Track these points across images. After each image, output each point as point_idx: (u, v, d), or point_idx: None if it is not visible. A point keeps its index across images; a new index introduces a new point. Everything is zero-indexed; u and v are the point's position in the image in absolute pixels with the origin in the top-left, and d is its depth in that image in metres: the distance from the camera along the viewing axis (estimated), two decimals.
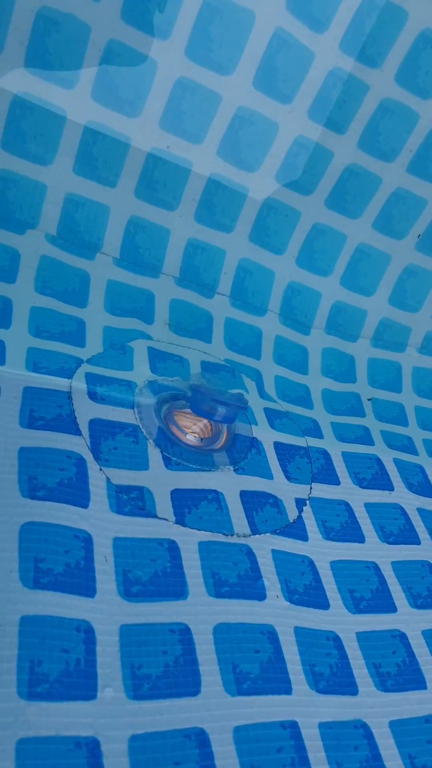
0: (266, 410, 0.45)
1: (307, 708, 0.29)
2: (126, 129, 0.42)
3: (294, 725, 0.29)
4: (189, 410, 0.41)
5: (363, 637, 0.34)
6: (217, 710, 0.28)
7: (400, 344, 0.51)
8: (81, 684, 0.26)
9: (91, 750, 0.24)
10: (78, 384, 0.38)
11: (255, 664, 0.30)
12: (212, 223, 0.46)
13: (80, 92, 0.40)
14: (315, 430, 0.46)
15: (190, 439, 0.40)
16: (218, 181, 0.45)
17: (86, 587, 0.29)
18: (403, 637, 0.35)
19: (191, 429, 0.42)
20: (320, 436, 0.46)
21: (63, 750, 0.24)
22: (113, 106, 0.41)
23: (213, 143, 0.44)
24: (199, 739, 0.27)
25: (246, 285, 0.47)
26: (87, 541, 0.31)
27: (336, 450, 0.45)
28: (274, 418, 0.44)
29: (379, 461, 0.46)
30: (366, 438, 0.47)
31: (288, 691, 0.30)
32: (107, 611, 0.29)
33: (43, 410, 0.35)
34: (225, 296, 0.47)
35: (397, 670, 0.33)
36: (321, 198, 0.47)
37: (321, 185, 0.46)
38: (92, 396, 0.38)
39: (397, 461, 0.46)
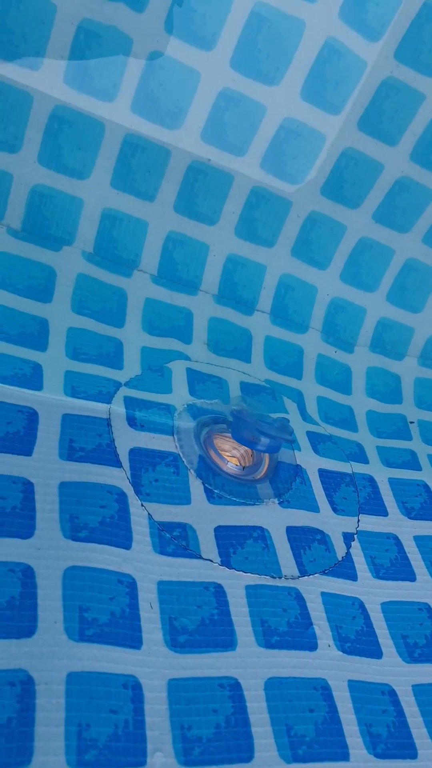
0: (309, 434, 0.42)
1: None
2: (166, 141, 0.40)
3: None
4: (230, 434, 0.39)
5: (420, 691, 0.32)
6: None
7: None
8: (130, 749, 0.24)
9: None
10: (117, 409, 0.36)
11: (310, 726, 0.28)
12: (253, 238, 0.44)
13: (120, 105, 0.38)
14: (360, 455, 0.44)
15: (232, 468, 0.38)
16: (261, 194, 0.43)
17: (132, 638, 0.27)
18: None
19: (232, 454, 0.40)
20: (365, 461, 0.43)
21: None
22: (154, 119, 0.39)
23: (257, 155, 0.41)
24: None
25: (287, 302, 0.45)
26: (131, 586, 0.29)
27: (382, 476, 0.43)
28: (317, 442, 0.42)
29: (427, 488, 0.43)
30: (413, 463, 0.45)
31: (345, 756, 0.28)
32: (154, 664, 0.27)
33: (83, 440, 0.34)
34: (265, 313, 0.45)
35: None
36: (369, 211, 0.44)
37: (369, 198, 0.44)
38: (131, 422, 0.36)
39: None
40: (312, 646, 0.31)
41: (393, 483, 0.43)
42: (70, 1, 0.35)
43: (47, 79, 0.37)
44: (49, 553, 0.28)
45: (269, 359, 0.44)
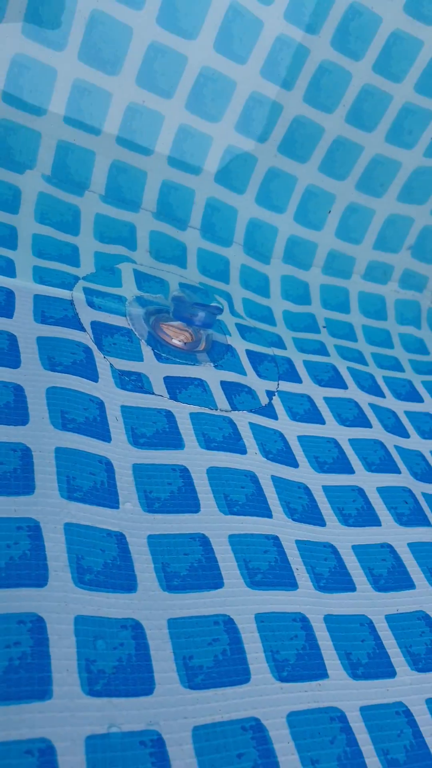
0: (237, 325, 0.52)
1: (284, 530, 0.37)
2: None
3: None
4: (172, 323, 0.48)
5: (328, 489, 0.42)
6: (215, 523, 0.35)
7: (347, 272, 0.60)
8: (105, 498, 0.33)
9: (118, 539, 0.31)
10: (78, 295, 0.44)
11: (241, 496, 0.37)
12: (184, 167, 0.53)
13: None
14: (279, 343, 0.53)
15: (176, 343, 0.47)
16: (186, 133, 0.53)
17: (103, 435, 0.36)
18: (362, 491, 0.43)
19: (176, 337, 0.49)
20: (284, 347, 0.53)
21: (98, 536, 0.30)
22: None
23: (182, 98, 0.51)
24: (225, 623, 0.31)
25: (213, 220, 0.55)
26: (100, 405, 0.37)
27: (298, 358, 0.53)
28: (244, 331, 0.52)
29: (335, 368, 0.54)
30: (323, 350, 0.55)
31: (268, 513, 0.37)
32: (121, 454, 0.36)
33: (52, 312, 0.42)
34: (196, 229, 0.54)
35: (359, 511, 0.41)
36: (275, 143, 0.55)
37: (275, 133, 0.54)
38: (90, 304, 0.44)
39: (350, 369, 0.55)
40: (242, 451, 0.40)
41: (307, 363, 0.53)
42: None
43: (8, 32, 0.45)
44: (32, 379, 0.36)
45: (202, 267, 0.53)
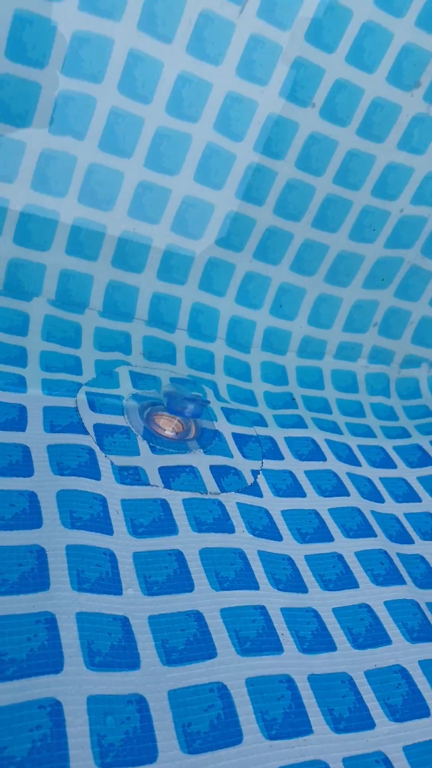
0: (223, 409, 0.59)
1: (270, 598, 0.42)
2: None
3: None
4: (165, 413, 0.55)
5: (309, 558, 0.47)
6: (207, 599, 0.40)
7: (320, 353, 0.67)
8: (110, 586, 0.39)
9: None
10: (81, 400, 0.52)
11: (231, 572, 0.43)
12: (171, 279, 0.62)
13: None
14: (261, 421, 0.60)
15: (168, 434, 0.54)
16: (172, 251, 0.61)
17: (106, 528, 0.42)
18: (341, 557, 0.48)
19: (168, 427, 0.56)
20: (265, 425, 0.60)
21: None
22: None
23: (167, 222, 0.60)
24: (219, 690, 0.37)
25: (199, 321, 0.63)
26: (103, 501, 0.44)
27: (279, 435, 0.59)
28: (229, 414, 0.59)
29: (314, 441, 0.60)
30: (301, 423, 0.61)
31: (255, 586, 0.42)
32: (123, 545, 0.42)
33: (60, 420, 0.49)
34: (184, 330, 0.62)
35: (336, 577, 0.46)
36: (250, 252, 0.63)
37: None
38: (92, 407, 0.52)
39: (327, 441, 0.61)
40: (231, 530, 0.46)
41: (287, 440, 0.59)
42: None
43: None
44: (44, 485, 0.43)
45: (189, 361, 0.61)
